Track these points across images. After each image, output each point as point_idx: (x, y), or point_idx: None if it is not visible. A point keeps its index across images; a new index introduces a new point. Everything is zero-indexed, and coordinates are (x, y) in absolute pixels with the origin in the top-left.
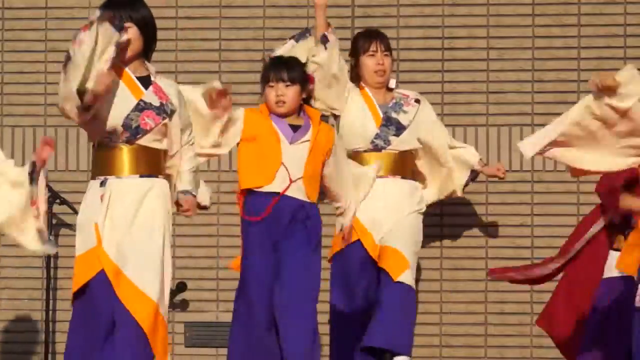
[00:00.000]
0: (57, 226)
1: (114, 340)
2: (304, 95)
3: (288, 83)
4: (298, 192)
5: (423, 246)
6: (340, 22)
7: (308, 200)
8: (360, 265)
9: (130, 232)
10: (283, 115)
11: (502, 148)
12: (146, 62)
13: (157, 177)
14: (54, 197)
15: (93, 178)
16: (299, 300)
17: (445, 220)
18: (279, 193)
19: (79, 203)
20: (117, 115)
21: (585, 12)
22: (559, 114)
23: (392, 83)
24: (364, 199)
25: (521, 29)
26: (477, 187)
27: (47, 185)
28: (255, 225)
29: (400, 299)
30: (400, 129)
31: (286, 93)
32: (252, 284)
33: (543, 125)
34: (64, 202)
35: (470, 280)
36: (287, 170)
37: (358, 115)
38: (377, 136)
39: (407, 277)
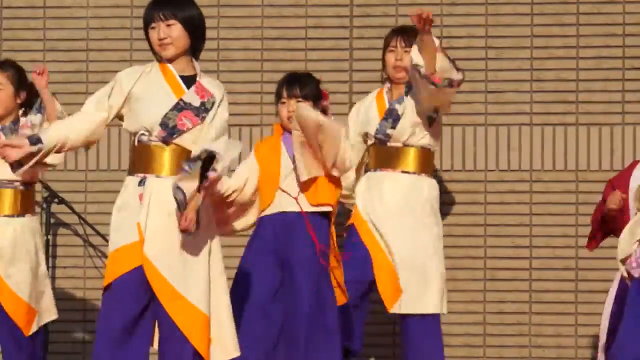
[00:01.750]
0: (55, 226)
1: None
2: None
3: (300, 99)
4: (301, 204)
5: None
6: (339, 21)
7: (311, 210)
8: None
9: (171, 236)
10: None
11: (501, 148)
12: (194, 60)
13: None
14: (52, 196)
15: (130, 174)
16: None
17: (444, 220)
18: (282, 212)
19: (78, 203)
20: (155, 112)
21: (583, 12)
22: (558, 114)
23: None
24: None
25: (520, 29)
26: (477, 187)
27: (47, 185)
28: (263, 231)
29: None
30: (396, 120)
31: None
32: (251, 281)
33: (542, 125)
34: (62, 201)
35: (469, 280)
36: (286, 192)
37: (365, 113)
38: (377, 131)
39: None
